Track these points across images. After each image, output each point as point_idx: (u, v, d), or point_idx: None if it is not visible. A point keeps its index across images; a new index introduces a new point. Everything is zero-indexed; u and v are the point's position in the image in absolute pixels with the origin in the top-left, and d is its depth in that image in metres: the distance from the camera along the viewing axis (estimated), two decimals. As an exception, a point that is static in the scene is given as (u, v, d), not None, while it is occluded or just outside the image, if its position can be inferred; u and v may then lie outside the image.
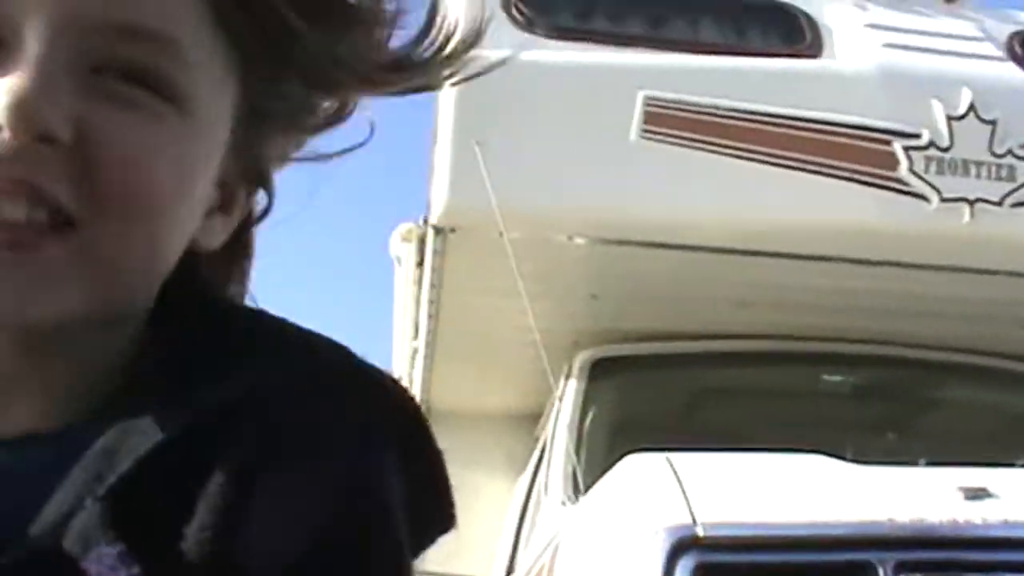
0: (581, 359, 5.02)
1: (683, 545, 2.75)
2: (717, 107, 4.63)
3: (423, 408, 0.87)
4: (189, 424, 0.78)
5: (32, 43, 0.77)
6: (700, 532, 2.76)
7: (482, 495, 6.11)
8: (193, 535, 0.75)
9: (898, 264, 4.81)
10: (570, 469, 4.33)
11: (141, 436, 0.78)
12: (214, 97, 0.84)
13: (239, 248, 0.94)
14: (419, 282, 5.65)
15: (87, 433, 0.79)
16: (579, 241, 4.76)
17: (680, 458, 3.06)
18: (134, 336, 0.86)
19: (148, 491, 0.76)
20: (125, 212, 0.79)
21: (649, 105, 4.62)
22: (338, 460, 0.79)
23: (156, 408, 0.79)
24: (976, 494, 3.01)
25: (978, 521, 2.90)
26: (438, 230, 4.70)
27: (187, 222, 0.85)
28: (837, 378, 5.36)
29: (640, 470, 3.14)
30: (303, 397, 0.79)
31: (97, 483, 0.76)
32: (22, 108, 0.75)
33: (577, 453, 4.47)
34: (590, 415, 4.75)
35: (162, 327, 0.86)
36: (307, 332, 0.86)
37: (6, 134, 0.74)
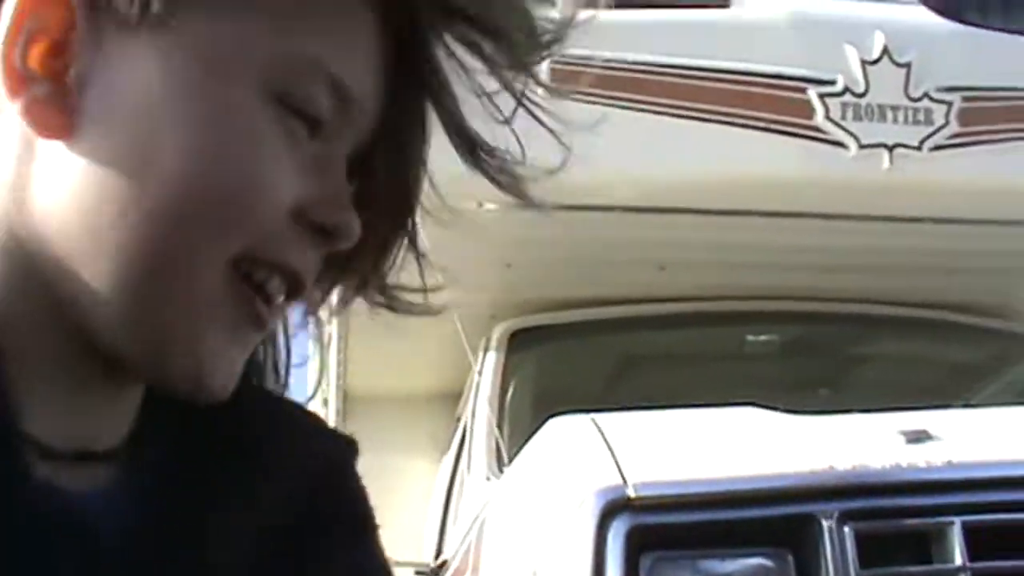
0: (499, 331, 4.85)
1: (615, 508, 2.60)
2: (626, 62, 4.48)
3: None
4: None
5: (344, 147, 0.87)
6: (632, 493, 2.61)
7: (406, 478, 5.98)
8: None
9: (819, 215, 4.68)
10: (493, 443, 4.17)
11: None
12: None
13: None
14: (328, 265, 5.47)
15: (145, 459, 0.84)
16: (490, 207, 4.58)
17: (606, 418, 2.91)
18: None
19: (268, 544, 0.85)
20: None
21: (555, 63, 4.45)
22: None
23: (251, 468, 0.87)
24: (917, 437, 2.88)
25: (922, 464, 2.77)
26: (343, 206, 4.52)
27: None
28: (763, 337, 5.24)
29: (564, 433, 2.99)
30: (348, 477, 0.96)
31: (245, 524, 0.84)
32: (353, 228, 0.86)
33: (500, 427, 4.33)
34: (511, 388, 4.60)
35: None
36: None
37: (340, 242, 0.85)
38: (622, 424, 2.90)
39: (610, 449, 2.73)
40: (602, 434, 2.81)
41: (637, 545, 2.59)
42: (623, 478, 2.64)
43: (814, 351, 5.32)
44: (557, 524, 2.75)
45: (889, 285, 5.11)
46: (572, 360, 4.95)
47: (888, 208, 4.71)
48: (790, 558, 2.65)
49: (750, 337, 5.24)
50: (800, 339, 5.28)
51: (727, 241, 4.75)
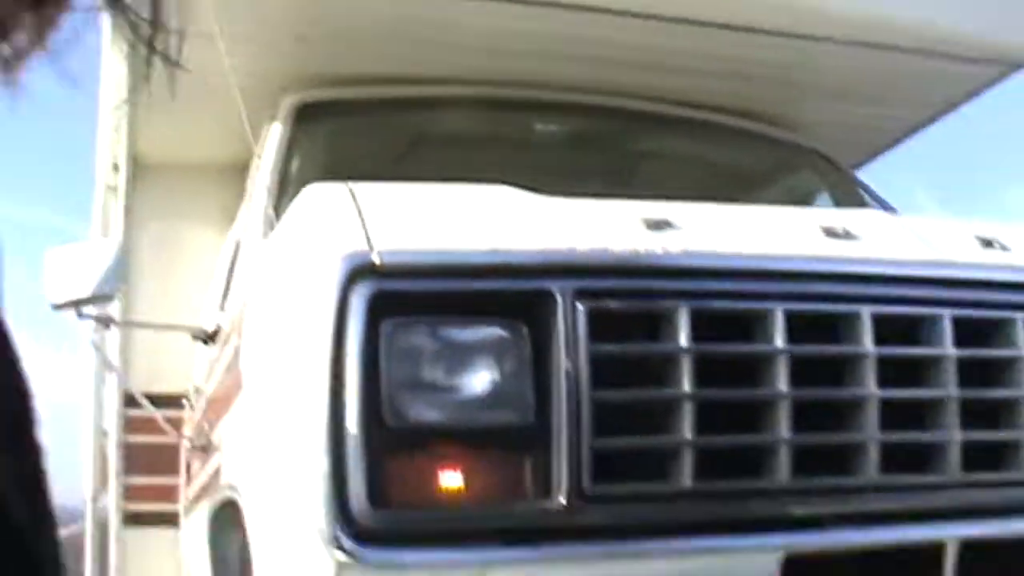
0: (286, 103, 4.86)
1: (359, 273, 2.65)
2: None
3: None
4: None
5: None
6: (377, 259, 2.66)
7: (195, 247, 5.99)
8: None
9: (611, 11, 4.73)
10: (271, 213, 4.20)
11: None
12: None
13: None
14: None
15: None
16: (282, -23, 4.56)
17: (362, 187, 2.95)
18: None
19: None
20: None
21: None
22: None
23: None
24: (658, 225, 2.99)
25: (659, 251, 2.89)
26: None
27: None
28: (552, 127, 5.33)
29: (319, 199, 3.02)
30: None
31: None
32: None
33: (281, 199, 4.35)
34: (295, 160, 4.62)
35: None
36: None
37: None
38: (377, 193, 2.94)
39: (360, 215, 2.78)
40: (355, 201, 2.85)
41: (379, 310, 2.64)
42: (369, 244, 2.69)
43: (601, 144, 5.42)
44: (304, 287, 2.81)
45: (676, 86, 5.21)
46: (359, 136, 4.97)
47: (680, 10, 4.78)
48: (525, 330, 2.74)
49: (539, 126, 5.32)
50: (588, 131, 5.37)
51: (520, 29, 4.80)
